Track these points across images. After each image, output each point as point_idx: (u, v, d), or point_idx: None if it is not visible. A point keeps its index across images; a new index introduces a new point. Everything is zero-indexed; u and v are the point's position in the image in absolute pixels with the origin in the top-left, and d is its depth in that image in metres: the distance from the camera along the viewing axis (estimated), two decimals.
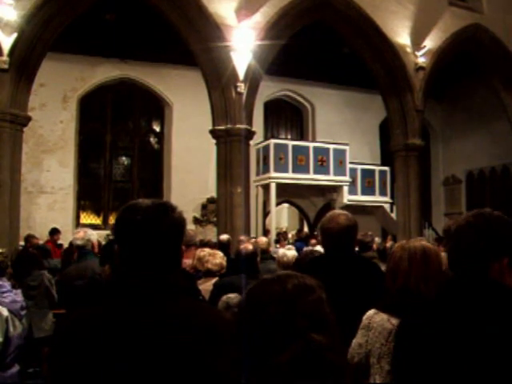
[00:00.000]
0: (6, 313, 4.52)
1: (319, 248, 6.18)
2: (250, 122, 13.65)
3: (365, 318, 2.80)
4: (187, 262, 5.64)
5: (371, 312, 2.80)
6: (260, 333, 1.49)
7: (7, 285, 4.79)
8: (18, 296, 4.82)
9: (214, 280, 5.27)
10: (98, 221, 18.54)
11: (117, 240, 1.95)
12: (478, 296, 1.83)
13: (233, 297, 4.25)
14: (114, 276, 3.14)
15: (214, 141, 13.75)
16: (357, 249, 8.10)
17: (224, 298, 4.22)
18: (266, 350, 1.48)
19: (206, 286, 5.08)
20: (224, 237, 8.70)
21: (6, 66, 11.02)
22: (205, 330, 1.75)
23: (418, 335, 1.89)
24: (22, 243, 12.25)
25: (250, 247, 5.50)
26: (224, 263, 5.45)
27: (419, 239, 3.03)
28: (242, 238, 9.34)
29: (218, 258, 5.48)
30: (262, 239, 7.69)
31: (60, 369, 1.74)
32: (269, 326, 1.49)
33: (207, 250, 5.83)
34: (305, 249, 7.21)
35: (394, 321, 2.68)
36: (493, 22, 16.62)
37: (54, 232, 13.88)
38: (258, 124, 16.43)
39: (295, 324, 1.48)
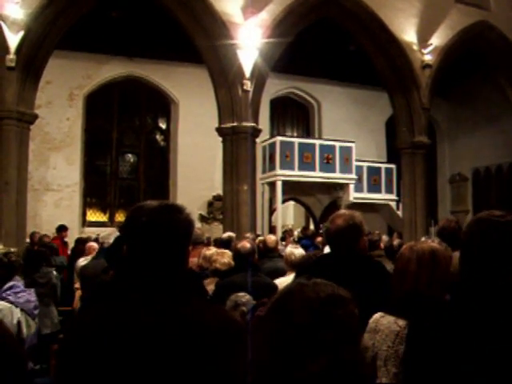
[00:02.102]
0: (18, 315, 4.53)
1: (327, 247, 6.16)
2: (256, 119, 13.64)
3: (371, 321, 2.78)
4: (193, 260, 5.64)
5: (377, 315, 2.78)
6: (286, 339, 1.48)
7: (21, 284, 4.80)
8: (31, 296, 4.83)
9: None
10: (104, 218, 18.56)
11: (125, 240, 1.96)
12: (493, 300, 1.82)
13: (241, 295, 4.23)
14: (118, 276, 3.15)
15: (220, 138, 13.75)
16: None
17: (233, 296, 4.20)
18: (290, 357, 1.47)
19: (214, 285, 5.07)
20: (225, 235, 8.64)
21: (12, 64, 11.04)
22: (215, 331, 1.75)
23: (432, 339, 1.88)
24: (27, 240, 12.29)
25: (248, 245, 5.47)
26: (232, 262, 5.41)
27: (428, 240, 3.01)
28: (248, 235, 9.31)
29: (225, 257, 5.45)
30: (271, 237, 7.64)
31: (69, 367, 1.75)
32: (296, 333, 1.48)
33: (214, 249, 5.81)
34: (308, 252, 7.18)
35: (401, 322, 2.66)
36: (500, 19, 16.54)
37: (62, 229, 13.90)
38: (264, 121, 16.41)
39: (323, 336, 1.47)
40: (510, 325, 1.75)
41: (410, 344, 2.05)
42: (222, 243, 7.77)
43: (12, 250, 4.84)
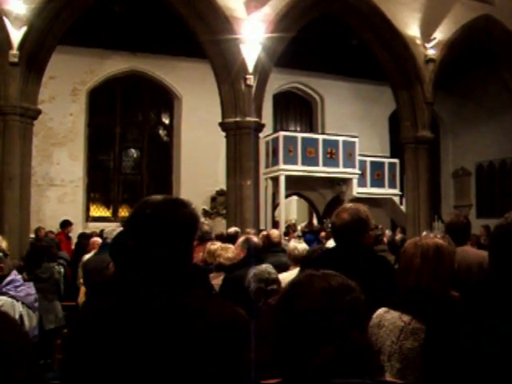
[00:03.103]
0: (20, 309, 4.56)
1: (331, 241, 6.16)
2: (259, 114, 13.63)
3: (375, 316, 2.76)
4: (199, 256, 5.63)
5: (381, 310, 2.77)
6: (300, 324, 1.52)
7: (19, 278, 4.82)
8: (31, 289, 4.86)
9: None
10: (107, 213, 18.59)
11: (130, 235, 1.96)
12: None
13: (268, 272, 4.24)
14: (121, 270, 3.16)
15: (223, 133, 13.75)
16: None
17: (261, 267, 4.21)
18: (303, 342, 1.50)
19: (219, 280, 5.06)
20: (232, 230, 8.70)
21: (15, 60, 11.05)
22: (219, 327, 1.75)
23: (453, 339, 1.87)
24: (32, 235, 12.33)
25: (255, 239, 5.48)
26: (236, 257, 5.41)
27: (431, 235, 2.99)
28: (249, 230, 9.33)
29: (230, 252, 5.44)
30: (275, 232, 7.62)
31: (74, 361, 1.75)
32: (310, 318, 1.52)
33: (219, 244, 5.80)
34: (312, 246, 7.19)
35: (406, 318, 2.65)
36: (504, 13, 16.48)
37: (66, 224, 13.91)
38: (267, 116, 16.41)
39: (335, 319, 1.51)
40: None
41: (432, 343, 2.03)
42: (228, 238, 7.79)
43: None
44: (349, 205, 3.68)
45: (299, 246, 5.74)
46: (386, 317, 2.73)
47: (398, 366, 2.60)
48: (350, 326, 1.51)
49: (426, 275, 2.68)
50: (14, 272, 4.84)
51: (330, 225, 3.72)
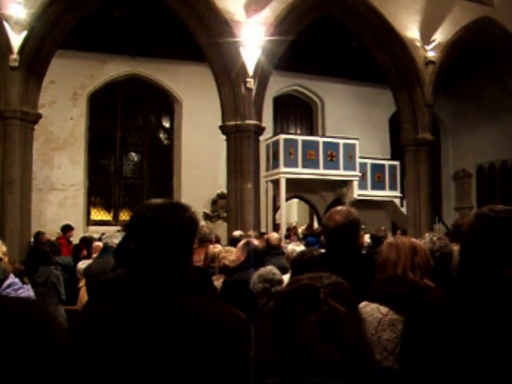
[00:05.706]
0: None
1: None
2: (259, 117, 13.66)
3: None
4: (200, 258, 5.64)
5: (361, 304, 2.83)
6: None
7: (17, 281, 4.84)
8: (30, 291, 4.88)
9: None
10: (108, 217, 18.58)
11: (131, 238, 1.98)
12: (490, 294, 1.82)
13: (273, 272, 4.25)
14: (125, 273, 3.18)
15: (223, 136, 13.76)
16: (368, 243, 8.12)
17: (263, 270, 4.23)
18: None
19: (219, 283, 5.07)
20: (237, 233, 8.78)
21: (16, 64, 11.09)
22: (218, 329, 1.76)
23: (429, 333, 1.89)
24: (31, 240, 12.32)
25: (256, 242, 5.50)
26: (237, 260, 5.44)
27: (429, 237, 3.12)
28: (251, 233, 9.37)
29: (233, 254, 5.47)
30: (274, 235, 7.66)
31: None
32: (298, 298, 1.55)
33: (220, 247, 5.82)
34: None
35: (383, 309, 2.73)
36: (503, 15, 16.52)
37: (67, 228, 13.88)
38: (267, 119, 16.41)
39: (319, 294, 1.52)
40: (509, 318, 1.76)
41: (410, 339, 2.06)
42: (233, 241, 7.84)
43: None
44: (338, 207, 3.69)
45: (297, 249, 5.76)
46: (366, 309, 2.79)
47: (378, 358, 2.64)
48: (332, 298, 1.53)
49: (401, 265, 2.80)
50: (12, 276, 4.85)
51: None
